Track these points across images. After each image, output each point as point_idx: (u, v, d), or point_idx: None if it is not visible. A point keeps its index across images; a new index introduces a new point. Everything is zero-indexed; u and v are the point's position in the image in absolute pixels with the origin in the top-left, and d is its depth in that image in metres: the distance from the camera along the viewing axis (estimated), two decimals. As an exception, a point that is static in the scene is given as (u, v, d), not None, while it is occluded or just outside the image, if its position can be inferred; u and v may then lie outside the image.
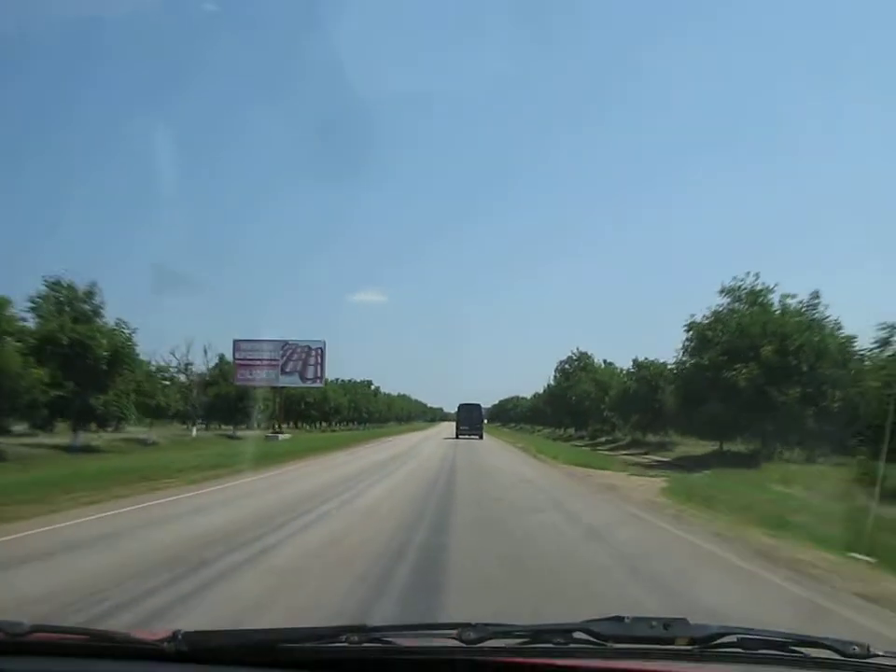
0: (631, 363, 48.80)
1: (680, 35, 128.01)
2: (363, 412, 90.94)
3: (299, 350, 47.25)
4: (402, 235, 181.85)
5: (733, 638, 1.80)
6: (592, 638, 1.77)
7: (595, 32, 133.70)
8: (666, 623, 1.80)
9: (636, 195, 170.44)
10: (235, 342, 46.48)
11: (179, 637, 1.75)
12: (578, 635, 1.79)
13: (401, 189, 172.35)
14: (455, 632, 1.76)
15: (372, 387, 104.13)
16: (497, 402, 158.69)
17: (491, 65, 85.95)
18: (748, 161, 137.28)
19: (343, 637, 1.76)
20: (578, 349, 66.74)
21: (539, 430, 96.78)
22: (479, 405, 59.35)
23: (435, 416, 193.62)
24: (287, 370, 46.90)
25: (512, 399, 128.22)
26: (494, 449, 43.26)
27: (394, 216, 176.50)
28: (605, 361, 62.27)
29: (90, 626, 2.86)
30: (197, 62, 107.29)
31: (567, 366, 66.91)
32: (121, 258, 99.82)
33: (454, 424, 60.16)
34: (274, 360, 46.26)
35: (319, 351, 47.68)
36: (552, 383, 74.40)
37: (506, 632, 1.81)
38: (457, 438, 52.78)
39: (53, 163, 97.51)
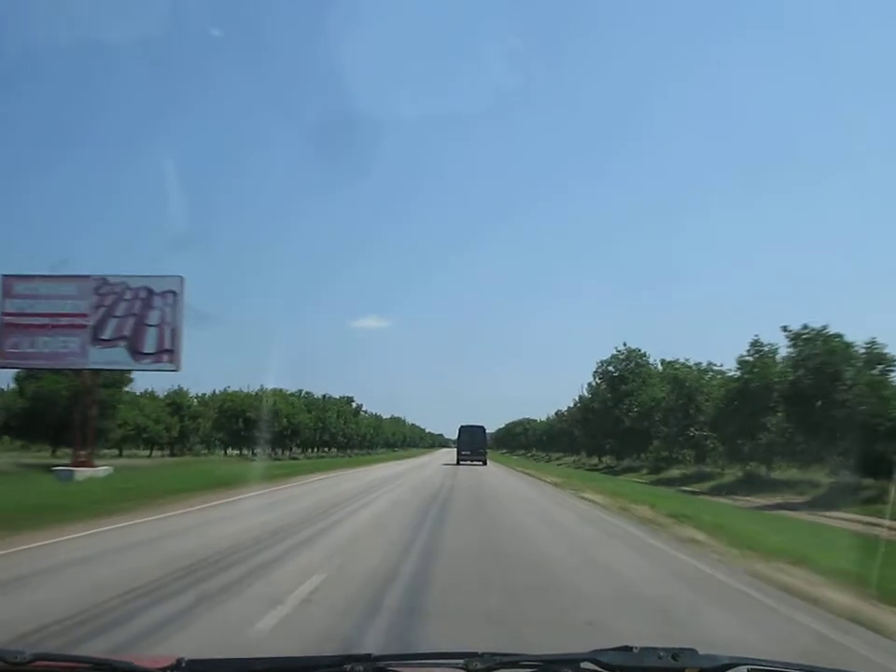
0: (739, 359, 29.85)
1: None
2: (338, 434, 72.10)
3: (128, 296, 23.87)
4: (407, 262, 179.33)
5: (742, 670, 1.79)
6: (600, 669, 1.75)
7: (613, 59, 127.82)
8: (675, 654, 1.76)
9: (649, 223, 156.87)
10: (4, 280, 24.48)
11: (183, 665, 1.76)
12: (586, 665, 1.77)
13: (408, 218, 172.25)
14: (461, 661, 1.74)
15: (354, 405, 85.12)
16: (502, 426, 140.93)
17: (497, 89, 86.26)
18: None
19: (348, 667, 1.73)
20: (625, 345, 47.87)
21: (557, 459, 78.04)
22: (482, 427, 52.83)
23: (434, 442, 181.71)
24: (106, 335, 23.64)
25: (521, 422, 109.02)
26: (513, 488, 27.10)
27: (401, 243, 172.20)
28: (663, 361, 44.10)
29: (95, 653, 2.36)
30: (202, 91, 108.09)
31: (611, 368, 47.83)
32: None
33: (454, 451, 55.34)
34: (80, 318, 23.79)
35: (171, 299, 23.90)
36: (585, 394, 55.63)
37: (513, 662, 1.81)
38: (458, 464, 47.64)
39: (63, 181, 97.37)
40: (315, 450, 68.70)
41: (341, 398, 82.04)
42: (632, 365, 45.82)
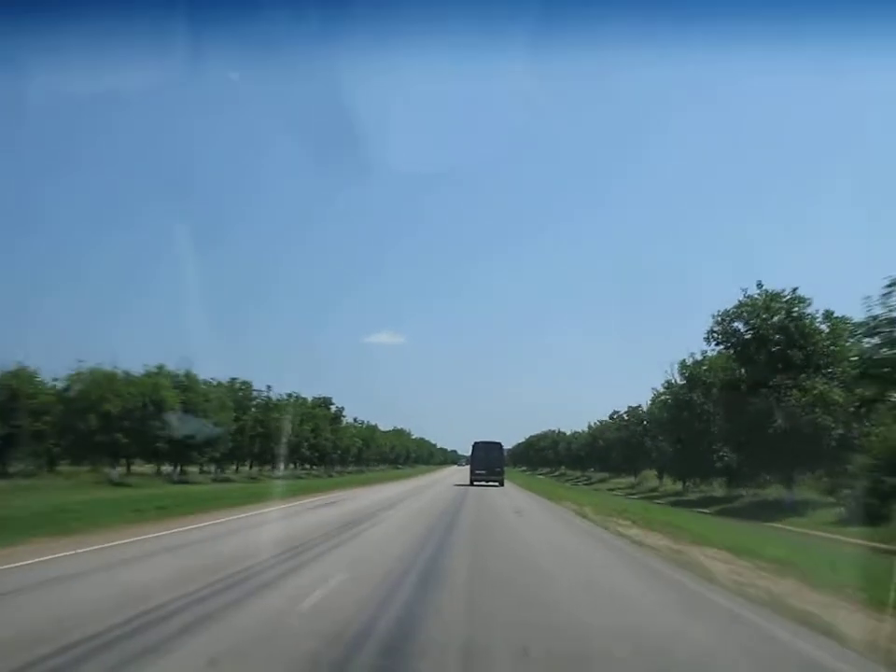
0: None
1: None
2: (302, 445, 52.30)
3: None
4: (422, 277, 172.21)
5: None
6: None
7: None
8: None
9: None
10: None
11: None
12: None
13: (423, 236, 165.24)
14: None
15: (332, 408, 65.20)
16: (522, 441, 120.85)
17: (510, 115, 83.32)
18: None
19: None
20: (762, 287, 26.69)
21: (601, 481, 57.97)
22: (499, 444, 46.70)
23: (447, 459, 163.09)
24: None
25: (547, 434, 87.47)
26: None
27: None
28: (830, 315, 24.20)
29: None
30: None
31: (739, 325, 26.69)
32: (153, 297, 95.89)
33: (467, 468, 49.07)
34: None
35: None
36: (673, 380, 35.52)
37: None
38: (472, 484, 41.53)
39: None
40: (253, 466, 49.30)
41: (315, 399, 62.52)
42: (781, 320, 25.12)
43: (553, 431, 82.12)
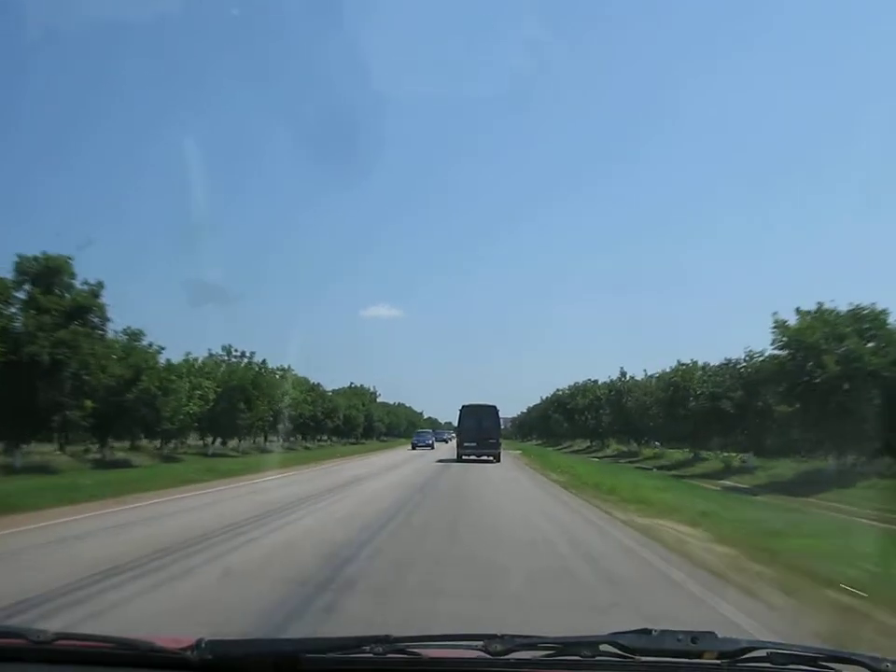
0: None
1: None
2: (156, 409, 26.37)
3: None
4: (423, 252, 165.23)
5: (762, 653, 1.77)
6: (619, 651, 1.75)
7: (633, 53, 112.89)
8: (694, 637, 1.76)
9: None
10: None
11: (203, 645, 1.76)
12: (605, 647, 1.76)
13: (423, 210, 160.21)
14: (480, 643, 1.75)
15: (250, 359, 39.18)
16: (537, 403, 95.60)
17: (514, 77, 79.03)
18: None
19: (368, 648, 1.76)
20: None
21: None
22: (493, 407, 36.40)
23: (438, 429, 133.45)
24: None
25: (586, 387, 57.53)
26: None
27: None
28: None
29: (118, 633, 2.09)
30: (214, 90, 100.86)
31: None
32: (154, 272, 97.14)
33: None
34: None
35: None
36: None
37: (532, 644, 1.80)
38: (460, 460, 32.86)
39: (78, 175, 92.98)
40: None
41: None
42: None
43: (587, 382, 55.06)
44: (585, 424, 49.54)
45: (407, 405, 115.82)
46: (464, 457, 33.18)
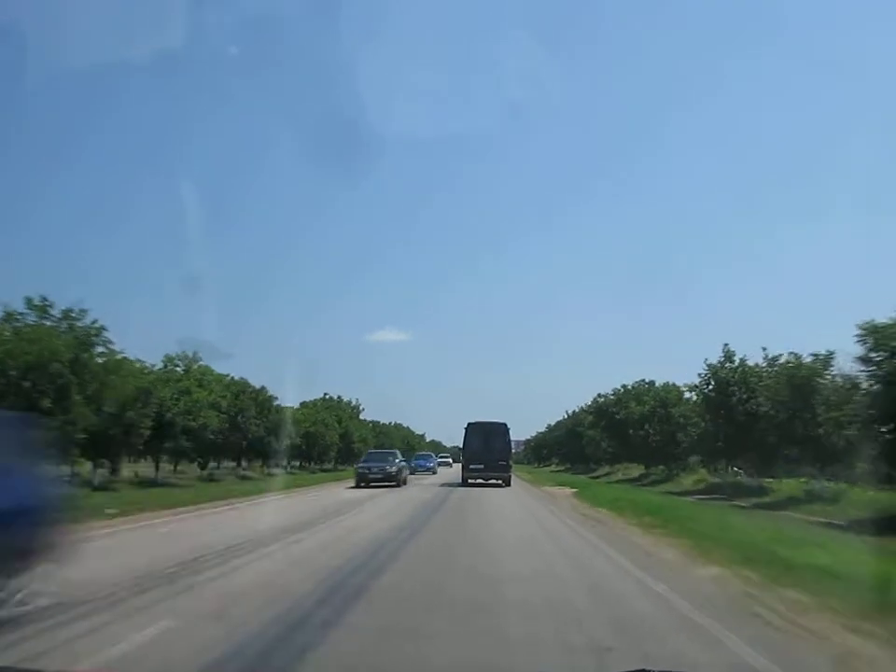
0: None
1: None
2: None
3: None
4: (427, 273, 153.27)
5: None
6: None
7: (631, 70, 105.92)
8: None
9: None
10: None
11: None
12: None
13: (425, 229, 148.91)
14: None
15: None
16: (549, 425, 79.48)
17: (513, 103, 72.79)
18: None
19: None
20: None
21: None
22: (503, 425, 32.83)
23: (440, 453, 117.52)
24: None
25: (627, 392, 41.16)
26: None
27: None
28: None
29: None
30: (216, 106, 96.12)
31: None
32: (151, 292, 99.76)
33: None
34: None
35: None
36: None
37: None
38: (465, 483, 30.44)
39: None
40: None
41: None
42: None
43: (653, 383, 38.74)
44: (645, 441, 33.39)
45: (405, 426, 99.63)
46: (469, 481, 30.53)
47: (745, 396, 21.84)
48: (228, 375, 34.23)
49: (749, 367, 22.76)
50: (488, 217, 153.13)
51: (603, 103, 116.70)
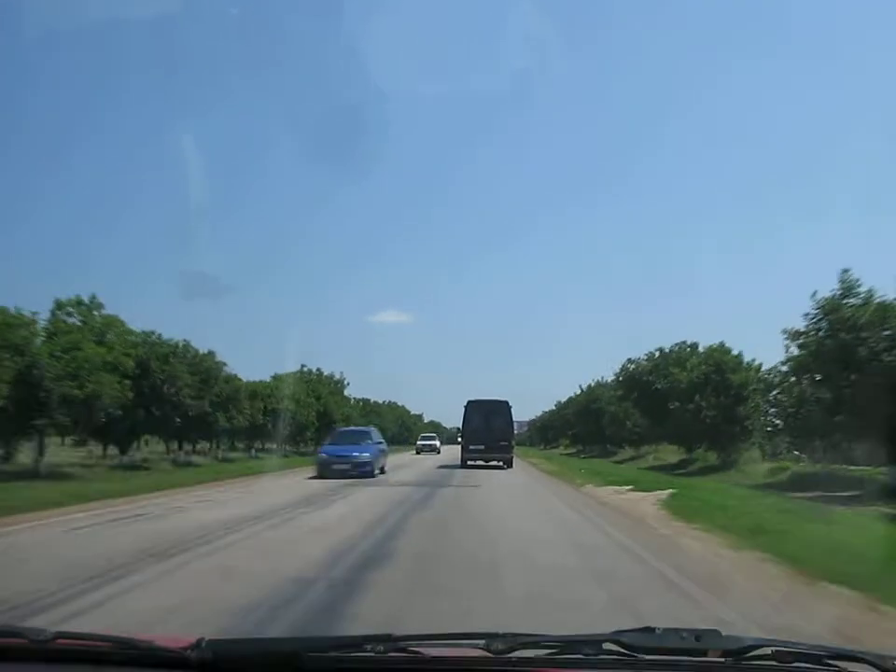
0: None
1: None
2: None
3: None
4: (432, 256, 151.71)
5: (767, 651, 1.71)
6: (622, 650, 1.69)
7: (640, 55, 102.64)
8: (698, 635, 1.70)
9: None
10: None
11: (203, 645, 1.72)
12: (607, 646, 1.70)
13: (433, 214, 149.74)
14: (482, 642, 1.70)
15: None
16: (559, 402, 72.44)
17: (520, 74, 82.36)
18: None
19: (369, 647, 1.71)
20: None
21: None
22: (505, 402, 31.25)
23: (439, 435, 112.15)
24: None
25: (667, 356, 32.52)
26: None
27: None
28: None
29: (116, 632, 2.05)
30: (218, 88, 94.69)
31: None
32: (156, 272, 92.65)
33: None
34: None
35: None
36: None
37: (535, 642, 1.76)
38: (464, 465, 29.01)
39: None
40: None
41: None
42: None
43: (696, 345, 30.86)
44: (696, 417, 25.60)
45: (399, 404, 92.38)
46: (469, 462, 29.21)
47: (881, 345, 14.28)
48: (154, 332, 26.70)
49: (887, 303, 15.11)
50: (494, 208, 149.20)
51: (604, 103, 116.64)
